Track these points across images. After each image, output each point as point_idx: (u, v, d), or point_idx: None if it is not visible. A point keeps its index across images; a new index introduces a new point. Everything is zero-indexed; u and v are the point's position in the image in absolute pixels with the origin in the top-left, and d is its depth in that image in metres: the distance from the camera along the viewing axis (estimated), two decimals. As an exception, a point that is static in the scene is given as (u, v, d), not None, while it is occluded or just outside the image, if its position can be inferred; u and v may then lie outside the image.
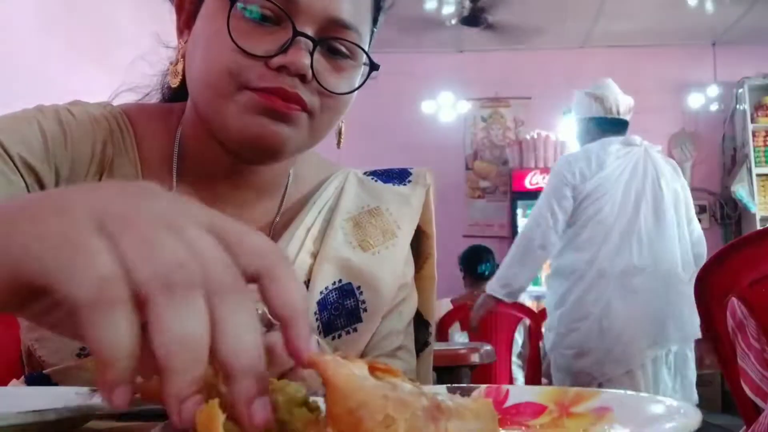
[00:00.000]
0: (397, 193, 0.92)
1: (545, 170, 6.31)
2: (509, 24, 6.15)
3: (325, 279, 0.82)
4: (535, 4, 5.80)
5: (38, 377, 0.76)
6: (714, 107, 6.46)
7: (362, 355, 0.83)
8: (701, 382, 5.60)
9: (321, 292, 0.81)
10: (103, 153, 0.79)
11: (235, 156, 0.78)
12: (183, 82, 0.80)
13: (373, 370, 0.38)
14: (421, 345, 0.94)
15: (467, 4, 5.74)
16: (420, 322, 0.94)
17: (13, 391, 0.60)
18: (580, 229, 2.97)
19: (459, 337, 3.46)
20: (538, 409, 0.46)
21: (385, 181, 0.94)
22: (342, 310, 0.82)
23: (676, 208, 3.03)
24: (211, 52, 0.73)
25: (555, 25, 6.21)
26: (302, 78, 0.71)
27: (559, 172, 3.05)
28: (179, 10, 0.81)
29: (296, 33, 0.71)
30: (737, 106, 6.42)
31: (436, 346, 2.92)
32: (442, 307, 3.82)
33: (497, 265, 4.29)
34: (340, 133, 0.86)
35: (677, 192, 3.10)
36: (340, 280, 0.82)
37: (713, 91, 6.42)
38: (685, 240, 2.99)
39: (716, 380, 5.48)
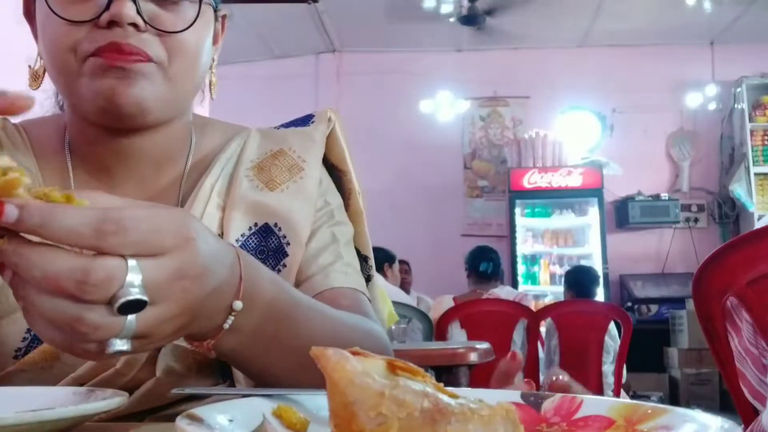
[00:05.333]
0: (299, 132, 0.92)
1: (543, 169, 6.32)
2: (508, 23, 6.15)
3: (239, 227, 0.82)
4: (534, 3, 5.80)
5: None
6: (712, 106, 6.47)
7: (297, 279, 0.83)
8: (699, 381, 5.63)
9: (237, 240, 0.82)
10: None
11: (110, 128, 0.79)
12: None
13: (393, 368, 0.38)
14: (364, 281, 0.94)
15: (465, 3, 5.74)
16: (359, 258, 0.94)
17: (10, 391, 0.60)
18: None
19: (458, 335, 3.46)
20: (606, 423, 0.46)
21: (287, 127, 0.94)
22: (267, 252, 0.82)
23: None
24: (49, 36, 0.75)
25: (553, 24, 6.21)
26: (136, 28, 0.72)
27: None
28: (29, 18, 0.82)
29: None
30: (735, 106, 6.43)
31: (435, 345, 2.90)
32: (443, 303, 3.82)
33: (499, 265, 4.29)
34: (211, 84, 0.86)
35: None
36: (255, 224, 0.83)
37: (711, 90, 6.43)
38: None
39: (714, 379, 5.49)
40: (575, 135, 6.59)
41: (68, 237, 0.43)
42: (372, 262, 0.97)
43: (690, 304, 5.20)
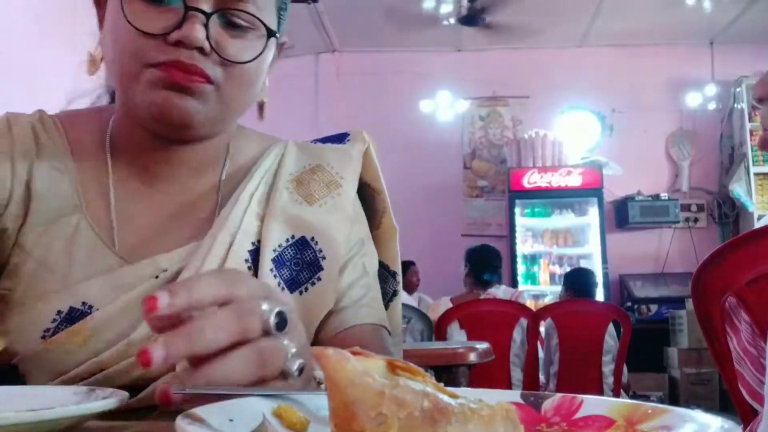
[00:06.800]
0: (336, 150, 0.94)
1: (543, 169, 6.32)
2: (507, 23, 6.15)
3: (277, 237, 0.84)
4: (534, 3, 5.80)
5: (8, 371, 0.78)
6: (712, 106, 6.47)
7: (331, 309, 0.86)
8: (699, 381, 5.63)
9: (274, 250, 0.83)
10: (26, 153, 0.83)
11: (158, 135, 0.81)
12: None
13: (393, 368, 0.39)
14: (390, 295, 0.98)
15: (465, 3, 5.74)
16: (387, 273, 0.98)
17: (11, 390, 0.60)
18: None
19: (458, 335, 3.46)
20: (606, 423, 0.46)
21: (324, 143, 0.97)
22: (303, 264, 0.84)
23: None
24: (116, 36, 0.77)
25: (553, 24, 6.21)
26: (201, 51, 0.74)
27: None
28: (98, 3, 0.85)
29: (187, 8, 0.74)
30: (735, 105, 6.43)
31: (434, 345, 2.91)
32: (441, 305, 3.82)
33: (499, 268, 4.24)
34: (261, 106, 0.89)
35: None
36: (293, 236, 0.85)
37: (711, 90, 6.43)
38: None
39: (714, 379, 5.49)
40: (575, 135, 6.59)
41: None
42: (400, 277, 1.00)
43: (690, 304, 5.20)
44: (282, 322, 0.53)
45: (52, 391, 0.60)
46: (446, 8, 5.75)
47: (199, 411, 0.41)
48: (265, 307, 0.53)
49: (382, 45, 6.69)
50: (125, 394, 0.54)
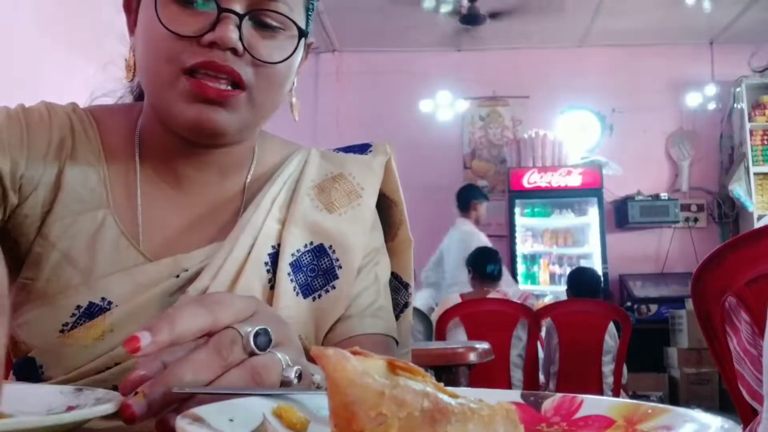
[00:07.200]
0: (358, 160, 0.95)
1: (543, 169, 6.32)
2: (508, 23, 6.15)
3: (295, 242, 0.85)
4: (534, 2, 5.80)
5: (24, 362, 0.79)
6: (712, 106, 6.47)
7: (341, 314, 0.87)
8: (699, 381, 5.63)
9: (293, 254, 0.84)
10: (62, 143, 0.83)
11: (187, 140, 0.82)
12: None
13: (393, 368, 0.39)
14: (401, 306, 0.98)
15: (465, 3, 5.74)
16: (399, 284, 0.98)
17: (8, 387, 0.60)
18: None
19: (459, 335, 3.46)
20: (606, 423, 0.46)
21: (346, 152, 0.98)
22: (318, 271, 0.85)
23: None
24: (149, 41, 0.77)
25: (553, 23, 6.22)
26: (234, 52, 0.75)
27: None
28: (128, 10, 0.85)
29: (221, 9, 0.75)
30: (735, 105, 6.42)
31: (434, 345, 2.91)
32: (450, 301, 3.82)
33: (502, 266, 4.30)
34: (291, 106, 0.89)
35: None
36: (311, 242, 0.86)
37: (711, 89, 6.43)
38: None
39: (714, 379, 5.49)
40: (575, 135, 6.59)
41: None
42: (412, 289, 1.00)
43: (689, 304, 5.20)
44: (263, 340, 0.53)
45: (36, 390, 0.59)
46: (446, 8, 5.75)
47: (199, 411, 0.41)
48: (247, 329, 0.53)
49: (382, 45, 6.69)
50: (116, 396, 0.53)
